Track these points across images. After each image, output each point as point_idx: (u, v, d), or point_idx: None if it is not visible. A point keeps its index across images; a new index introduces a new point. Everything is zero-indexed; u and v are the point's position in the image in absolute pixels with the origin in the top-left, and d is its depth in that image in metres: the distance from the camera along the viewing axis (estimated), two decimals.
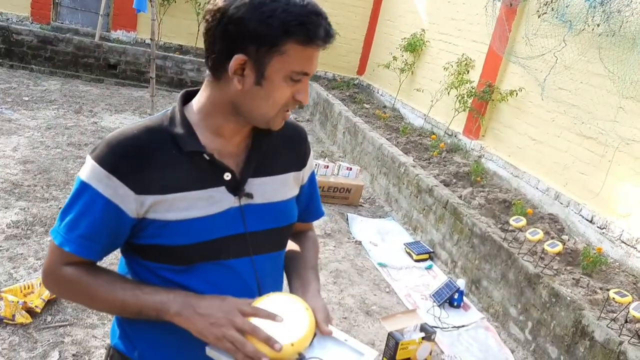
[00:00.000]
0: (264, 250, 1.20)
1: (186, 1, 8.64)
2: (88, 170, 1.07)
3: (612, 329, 2.88)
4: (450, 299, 3.90)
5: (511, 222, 3.77)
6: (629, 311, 2.80)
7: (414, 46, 7.49)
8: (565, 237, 4.32)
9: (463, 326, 3.72)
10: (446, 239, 4.50)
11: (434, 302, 3.91)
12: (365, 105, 8.18)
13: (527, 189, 5.09)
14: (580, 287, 3.48)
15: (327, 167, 5.42)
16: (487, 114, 5.90)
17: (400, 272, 4.31)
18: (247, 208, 1.16)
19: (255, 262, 1.18)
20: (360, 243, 4.68)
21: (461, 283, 3.95)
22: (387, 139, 6.26)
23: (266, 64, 1.03)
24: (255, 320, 1.05)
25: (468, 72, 6.22)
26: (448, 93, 6.20)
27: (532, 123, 5.21)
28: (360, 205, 5.57)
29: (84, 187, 1.07)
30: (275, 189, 1.22)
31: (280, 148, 1.23)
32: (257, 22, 1.00)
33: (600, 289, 3.49)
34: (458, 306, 3.91)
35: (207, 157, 1.10)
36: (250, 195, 1.16)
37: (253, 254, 1.17)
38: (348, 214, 5.18)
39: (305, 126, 6.85)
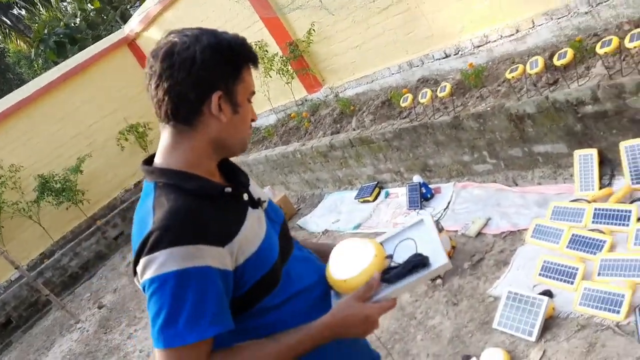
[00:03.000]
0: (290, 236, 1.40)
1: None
2: (171, 258, 1.06)
3: (530, 97, 3.26)
4: (422, 196, 4.14)
5: (402, 104, 4.10)
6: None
7: None
8: (441, 83, 4.72)
9: (448, 204, 3.97)
10: (375, 164, 4.74)
11: (415, 209, 4.14)
12: None
13: (388, 80, 5.46)
14: (486, 96, 3.85)
15: None
16: (310, 64, 6.21)
17: (372, 219, 4.49)
18: (266, 213, 1.33)
19: (297, 245, 1.39)
20: (326, 231, 4.79)
21: (417, 178, 4.21)
22: (265, 149, 6.40)
23: (236, 93, 1.19)
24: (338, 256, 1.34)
25: (267, 51, 6.49)
26: (270, 77, 6.44)
27: (344, 37, 5.57)
28: (299, 210, 5.68)
29: (182, 274, 1.06)
30: (259, 192, 1.36)
31: (232, 165, 1.37)
32: (224, 61, 1.16)
33: (498, 85, 3.88)
34: (432, 195, 4.16)
35: (229, 190, 1.21)
36: (261, 202, 1.31)
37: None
38: (297, 223, 5.27)
39: None
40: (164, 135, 1.21)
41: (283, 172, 6.04)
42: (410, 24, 4.90)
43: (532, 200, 3.36)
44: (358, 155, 4.87)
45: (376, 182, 4.81)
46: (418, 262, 1.27)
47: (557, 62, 3.16)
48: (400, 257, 1.33)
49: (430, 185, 4.21)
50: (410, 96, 4.20)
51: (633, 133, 2.92)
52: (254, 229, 1.21)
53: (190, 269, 1.06)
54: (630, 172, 2.91)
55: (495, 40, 4.27)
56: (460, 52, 4.61)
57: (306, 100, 6.61)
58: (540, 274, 2.69)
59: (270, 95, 6.94)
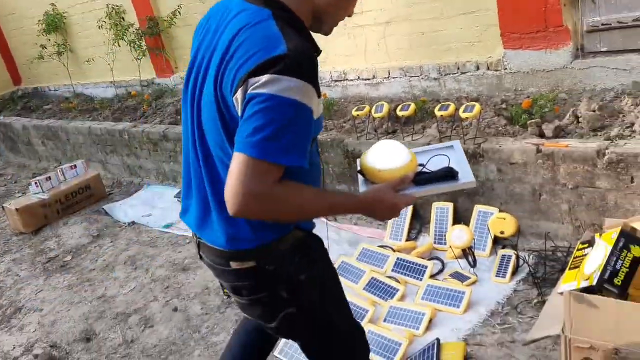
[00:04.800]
0: None
1: None
2: (298, 89, 1.13)
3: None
4: None
5: None
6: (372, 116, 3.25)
7: (55, 24, 6.79)
8: None
9: None
10: None
11: None
12: (44, 107, 7.29)
13: None
14: (330, 129, 3.85)
15: (49, 178, 4.77)
16: (166, 46, 5.80)
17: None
18: None
19: None
20: (134, 223, 4.36)
21: None
22: (90, 121, 5.76)
23: None
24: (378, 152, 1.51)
25: (124, 19, 5.94)
26: (119, 45, 5.86)
27: None
28: (110, 194, 5.14)
29: (301, 106, 1.15)
30: None
31: None
32: None
33: (344, 121, 3.93)
34: None
35: (319, 54, 1.30)
36: None
37: None
38: (103, 207, 4.74)
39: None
40: None
41: (105, 150, 5.46)
42: None
43: (345, 237, 3.39)
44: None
45: None
46: (448, 173, 1.44)
47: (399, 112, 3.28)
48: (432, 167, 1.51)
49: None
50: None
51: (447, 196, 3.10)
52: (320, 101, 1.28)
53: (305, 105, 1.15)
54: (435, 231, 3.07)
55: (352, 80, 4.37)
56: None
57: (153, 83, 6.14)
58: None
59: (115, 66, 6.33)
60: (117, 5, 5.95)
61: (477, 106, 2.89)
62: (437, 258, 2.95)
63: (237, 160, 1.14)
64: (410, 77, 4.08)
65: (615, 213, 2.52)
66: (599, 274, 1.72)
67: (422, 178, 1.45)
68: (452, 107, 3.00)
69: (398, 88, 4.17)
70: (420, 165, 1.52)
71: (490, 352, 2.26)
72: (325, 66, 4.49)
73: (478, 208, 2.97)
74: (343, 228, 3.49)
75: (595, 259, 1.80)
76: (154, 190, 4.91)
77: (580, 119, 2.88)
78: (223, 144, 1.27)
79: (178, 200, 4.48)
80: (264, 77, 1.12)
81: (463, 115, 2.91)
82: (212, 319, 2.93)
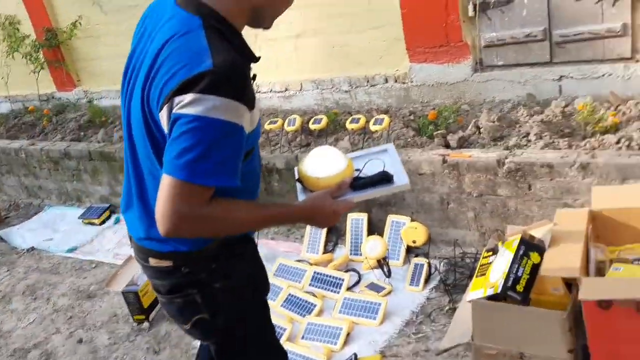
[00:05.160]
0: None
1: None
2: (224, 108, 1.10)
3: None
4: None
5: None
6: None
7: None
8: None
9: None
10: (112, 184, 4.26)
11: None
12: None
13: None
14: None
15: None
16: (66, 58, 5.47)
17: (92, 244, 3.95)
18: None
19: None
20: (33, 248, 4.05)
21: None
22: None
23: None
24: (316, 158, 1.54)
25: (18, 30, 5.54)
26: (13, 58, 5.45)
27: (114, 42, 5.05)
28: (7, 218, 4.74)
29: (227, 125, 1.12)
30: None
31: None
32: None
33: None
34: None
35: (258, 60, 1.29)
36: None
37: None
38: None
39: None
40: None
41: None
42: None
43: (262, 253, 3.31)
44: (95, 171, 4.32)
45: (108, 205, 4.30)
46: (383, 177, 1.48)
47: (312, 126, 3.28)
48: (368, 172, 1.53)
49: None
50: None
51: (361, 207, 3.13)
52: (259, 104, 1.28)
53: (233, 123, 1.12)
54: (351, 243, 3.09)
55: (265, 92, 4.33)
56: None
57: (53, 98, 5.77)
58: None
59: (10, 80, 5.87)
60: (11, 16, 5.54)
61: (386, 119, 2.96)
62: (354, 270, 2.97)
63: (165, 182, 1.14)
64: (323, 89, 4.11)
65: (516, 219, 2.66)
66: (502, 281, 1.78)
67: (359, 183, 1.49)
68: (362, 120, 3.04)
69: (311, 100, 4.19)
70: (357, 170, 1.55)
71: None
72: None
73: (391, 218, 3.03)
74: (259, 243, 3.42)
75: (499, 267, 1.87)
76: (56, 211, 4.59)
77: (481, 130, 3.02)
78: (150, 156, 1.27)
79: (83, 222, 4.22)
80: (188, 97, 1.10)
81: (373, 128, 2.97)
82: (122, 349, 2.76)
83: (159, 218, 1.15)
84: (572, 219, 1.92)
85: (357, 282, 2.88)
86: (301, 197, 1.51)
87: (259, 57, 1.31)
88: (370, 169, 1.55)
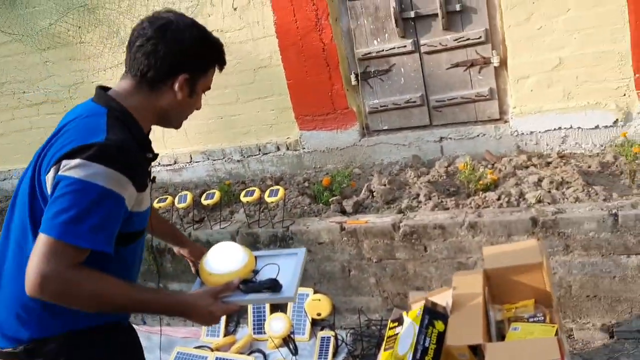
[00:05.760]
0: None
1: None
2: (105, 176, 1.18)
3: None
4: None
5: None
6: None
7: None
8: None
9: None
10: None
11: None
12: None
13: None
14: None
15: None
16: None
17: None
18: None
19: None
20: None
21: None
22: None
23: (198, 82, 1.39)
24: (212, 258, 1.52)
25: None
26: None
27: None
28: None
29: (106, 192, 1.18)
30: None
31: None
32: (203, 53, 1.39)
33: None
34: None
35: (155, 157, 1.40)
36: (152, 182, 1.43)
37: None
38: None
39: None
40: (125, 81, 1.36)
41: None
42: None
43: (157, 342, 3.04)
44: None
45: None
46: (272, 285, 1.47)
47: (204, 201, 3.16)
48: (265, 275, 1.53)
49: None
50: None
51: None
52: (147, 195, 1.36)
53: (113, 191, 1.19)
54: (254, 322, 2.95)
55: (152, 166, 4.14)
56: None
57: None
58: None
59: None
60: None
61: (281, 190, 2.92)
62: (259, 350, 2.82)
63: (39, 241, 1.16)
64: (214, 160, 4.02)
65: (415, 281, 2.70)
66: (411, 354, 1.76)
67: (247, 286, 1.47)
68: (257, 193, 2.98)
69: (202, 172, 4.07)
70: (254, 272, 1.55)
71: None
72: None
73: None
74: (154, 332, 3.16)
75: (406, 339, 1.85)
76: None
77: (374, 193, 3.08)
78: (25, 221, 1.29)
79: None
80: (74, 161, 1.18)
81: (268, 199, 2.91)
82: None
83: (28, 276, 1.15)
84: (469, 282, 1.96)
85: None
86: (195, 288, 1.52)
87: (157, 155, 1.40)
88: (270, 272, 1.55)
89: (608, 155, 2.93)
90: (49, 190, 1.21)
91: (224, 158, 3.99)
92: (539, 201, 2.60)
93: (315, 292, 2.90)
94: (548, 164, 3.04)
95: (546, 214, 2.39)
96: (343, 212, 3.03)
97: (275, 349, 2.75)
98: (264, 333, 2.87)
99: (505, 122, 3.28)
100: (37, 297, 1.17)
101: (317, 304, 2.78)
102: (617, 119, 2.95)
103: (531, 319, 1.85)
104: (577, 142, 3.09)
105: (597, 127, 3.00)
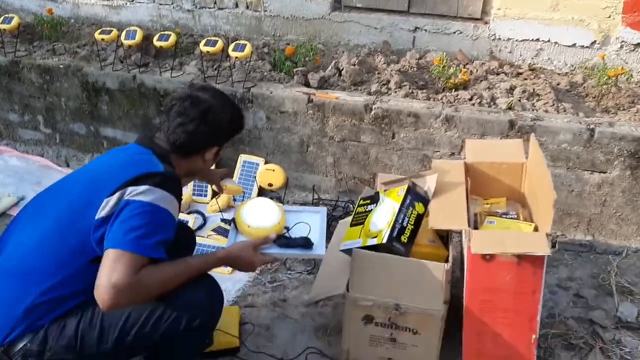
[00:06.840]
0: None
1: None
2: (166, 199, 1.44)
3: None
4: None
5: None
6: None
7: None
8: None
9: None
10: None
11: None
12: None
13: None
14: (61, 53, 3.10)
15: None
16: None
17: None
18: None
19: None
20: None
21: None
22: None
23: (220, 151, 1.70)
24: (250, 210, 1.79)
25: None
26: None
27: None
28: None
29: (168, 213, 1.44)
30: None
31: None
32: (234, 130, 1.71)
33: (79, 46, 3.21)
34: None
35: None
36: None
37: None
38: None
39: None
40: (161, 141, 1.60)
41: None
42: None
43: None
44: None
45: None
46: (305, 243, 1.69)
47: (157, 42, 2.79)
48: (296, 232, 1.75)
49: None
50: None
51: None
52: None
53: (170, 212, 1.45)
54: (194, 182, 2.77)
55: None
56: None
57: None
58: None
59: None
60: None
61: (249, 46, 2.64)
62: (198, 211, 2.67)
63: (110, 256, 1.32)
64: (160, 4, 3.56)
65: (374, 167, 2.63)
66: (388, 231, 1.70)
67: (282, 242, 1.69)
68: (220, 44, 2.67)
69: (144, 15, 3.61)
70: (286, 228, 1.76)
71: (264, 314, 2.13)
72: None
73: (243, 158, 2.77)
74: None
75: (382, 216, 1.78)
76: None
77: (343, 72, 2.89)
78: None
79: None
80: (142, 187, 1.40)
81: (233, 54, 2.63)
82: None
83: (101, 289, 1.29)
84: (450, 170, 1.91)
85: (203, 225, 2.60)
86: (232, 234, 1.75)
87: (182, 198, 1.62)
88: (299, 230, 1.76)
89: (577, 76, 2.93)
90: (104, 212, 1.39)
91: (172, 4, 3.54)
92: (510, 108, 2.57)
93: (266, 162, 2.75)
94: (519, 74, 3.00)
95: (525, 118, 2.36)
96: (307, 85, 2.82)
97: (216, 213, 2.62)
98: (205, 195, 2.72)
99: (486, 23, 3.15)
100: (112, 307, 1.31)
101: (271, 174, 2.65)
102: (594, 41, 2.93)
103: (504, 215, 1.85)
104: (549, 58, 3.06)
105: (574, 45, 2.97)
